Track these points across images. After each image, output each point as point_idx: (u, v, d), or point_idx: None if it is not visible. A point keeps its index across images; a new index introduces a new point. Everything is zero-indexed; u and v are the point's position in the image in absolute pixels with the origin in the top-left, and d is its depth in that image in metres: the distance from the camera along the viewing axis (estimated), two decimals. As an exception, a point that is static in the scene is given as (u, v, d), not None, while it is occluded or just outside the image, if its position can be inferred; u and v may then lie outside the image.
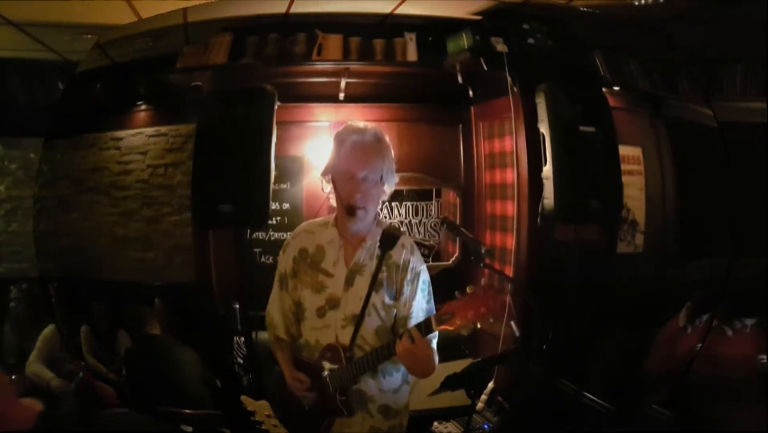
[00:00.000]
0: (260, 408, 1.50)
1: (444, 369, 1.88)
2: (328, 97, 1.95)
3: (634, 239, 1.58)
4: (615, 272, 1.61)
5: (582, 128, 1.72)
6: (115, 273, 1.40)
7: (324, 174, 2.03)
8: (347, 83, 1.90)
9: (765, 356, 3.50)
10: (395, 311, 2.00)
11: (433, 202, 2.28)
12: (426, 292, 2.04)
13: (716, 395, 3.43)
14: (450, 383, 1.87)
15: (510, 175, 1.86)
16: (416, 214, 2.27)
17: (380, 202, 1.97)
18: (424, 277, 2.04)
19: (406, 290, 1.99)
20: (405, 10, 1.74)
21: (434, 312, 1.92)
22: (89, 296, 1.52)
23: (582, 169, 1.74)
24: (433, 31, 1.72)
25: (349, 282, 1.99)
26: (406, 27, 1.73)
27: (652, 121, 1.66)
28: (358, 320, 1.94)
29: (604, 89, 1.73)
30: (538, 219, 1.57)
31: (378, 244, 1.97)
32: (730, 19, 3.70)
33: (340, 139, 1.97)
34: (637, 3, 3.30)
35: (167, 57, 1.55)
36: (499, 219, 1.92)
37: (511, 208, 1.83)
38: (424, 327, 1.82)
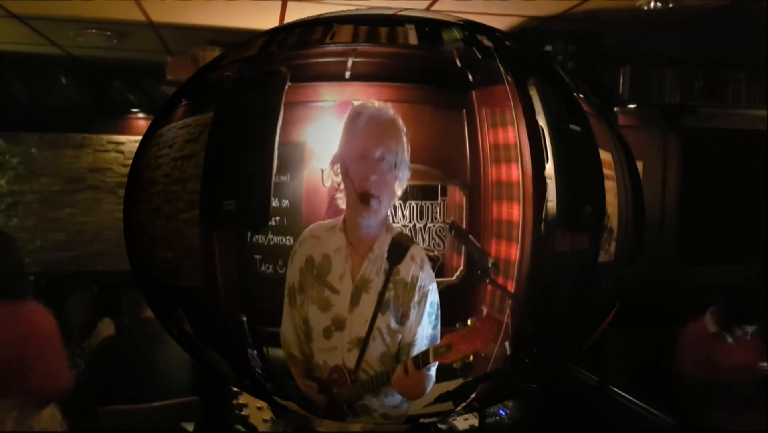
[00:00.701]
0: (290, 405, 1.57)
1: (438, 388, 1.90)
2: (335, 75, 1.95)
3: (610, 247, 1.57)
4: (599, 283, 1.62)
5: (571, 126, 1.73)
6: (153, 270, 1.45)
7: (333, 162, 1.88)
8: (354, 62, 1.88)
9: (765, 363, 3.51)
10: (400, 336, 1.92)
11: (439, 201, 2.18)
12: (433, 316, 1.92)
13: (716, 398, 3.45)
14: (442, 399, 1.92)
15: (515, 172, 1.83)
16: (421, 217, 2.18)
17: (393, 198, 1.87)
18: (432, 298, 1.91)
19: (412, 313, 1.88)
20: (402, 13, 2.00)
21: (438, 340, 1.87)
22: (141, 287, 1.59)
23: (577, 170, 1.74)
24: (429, 24, 1.91)
25: (354, 301, 1.90)
26: (406, 21, 1.96)
27: (609, 128, 1.70)
28: (363, 345, 1.87)
29: (573, 93, 1.78)
30: (542, 225, 1.55)
31: (386, 255, 1.87)
32: (736, 24, 3.71)
33: (355, 114, 1.83)
34: (646, 8, 3.31)
35: (219, 59, 1.64)
36: (505, 225, 1.88)
37: (516, 212, 1.80)
38: (421, 360, 1.75)
